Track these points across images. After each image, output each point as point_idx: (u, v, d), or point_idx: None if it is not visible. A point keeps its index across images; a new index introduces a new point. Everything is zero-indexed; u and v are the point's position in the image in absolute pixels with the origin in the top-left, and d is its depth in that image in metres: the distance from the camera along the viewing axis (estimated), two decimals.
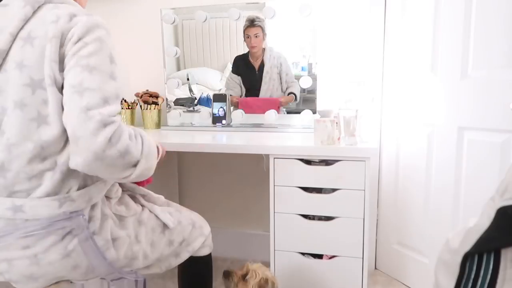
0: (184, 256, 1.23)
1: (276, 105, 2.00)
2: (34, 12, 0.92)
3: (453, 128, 1.60)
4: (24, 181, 0.90)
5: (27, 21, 0.91)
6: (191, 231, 1.24)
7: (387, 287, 1.89)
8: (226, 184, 2.21)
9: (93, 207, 0.98)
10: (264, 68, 2.01)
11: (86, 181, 0.96)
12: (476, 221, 0.54)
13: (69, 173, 0.92)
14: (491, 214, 0.51)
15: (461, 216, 1.61)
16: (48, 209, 0.91)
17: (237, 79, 2.06)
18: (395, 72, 1.83)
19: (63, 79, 0.89)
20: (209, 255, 1.33)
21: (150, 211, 1.14)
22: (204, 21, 2.04)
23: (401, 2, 1.78)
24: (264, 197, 2.12)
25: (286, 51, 1.96)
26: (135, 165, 0.90)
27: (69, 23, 0.90)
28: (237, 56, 2.05)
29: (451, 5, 1.56)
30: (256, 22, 2.01)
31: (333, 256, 1.49)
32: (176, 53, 2.09)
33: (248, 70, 2.04)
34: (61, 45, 0.89)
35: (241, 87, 2.07)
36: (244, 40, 2.03)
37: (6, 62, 0.90)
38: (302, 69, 1.95)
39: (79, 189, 0.94)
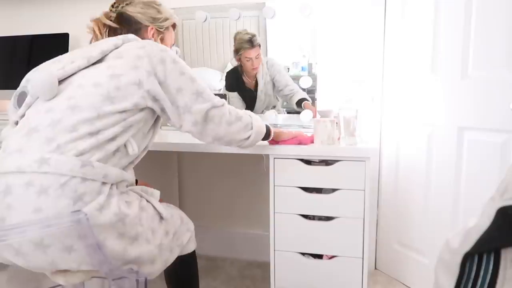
0: (176, 252, 1.26)
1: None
2: None
3: (453, 128, 1.60)
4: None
5: None
6: (180, 225, 1.29)
7: (387, 287, 1.89)
8: (226, 184, 2.21)
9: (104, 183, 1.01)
10: (258, 87, 1.97)
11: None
12: (476, 221, 0.54)
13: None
14: (491, 214, 0.51)
15: (461, 216, 1.61)
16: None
17: (233, 94, 2.01)
18: (395, 72, 1.83)
19: None
20: (194, 253, 1.40)
21: (147, 201, 1.18)
22: (204, 21, 2.04)
23: (401, 2, 1.78)
24: (264, 197, 2.12)
25: (286, 51, 1.96)
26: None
27: None
28: (228, 73, 2.00)
29: (451, 5, 1.56)
30: (255, 42, 1.93)
31: (333, 256, 1.49)
32: (176, 53, 2.09)
33: (241, 89, 1.96)
34: None
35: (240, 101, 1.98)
36: (240, 63, 1.95)
37: None
38: (302, 69, 1.95)
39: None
